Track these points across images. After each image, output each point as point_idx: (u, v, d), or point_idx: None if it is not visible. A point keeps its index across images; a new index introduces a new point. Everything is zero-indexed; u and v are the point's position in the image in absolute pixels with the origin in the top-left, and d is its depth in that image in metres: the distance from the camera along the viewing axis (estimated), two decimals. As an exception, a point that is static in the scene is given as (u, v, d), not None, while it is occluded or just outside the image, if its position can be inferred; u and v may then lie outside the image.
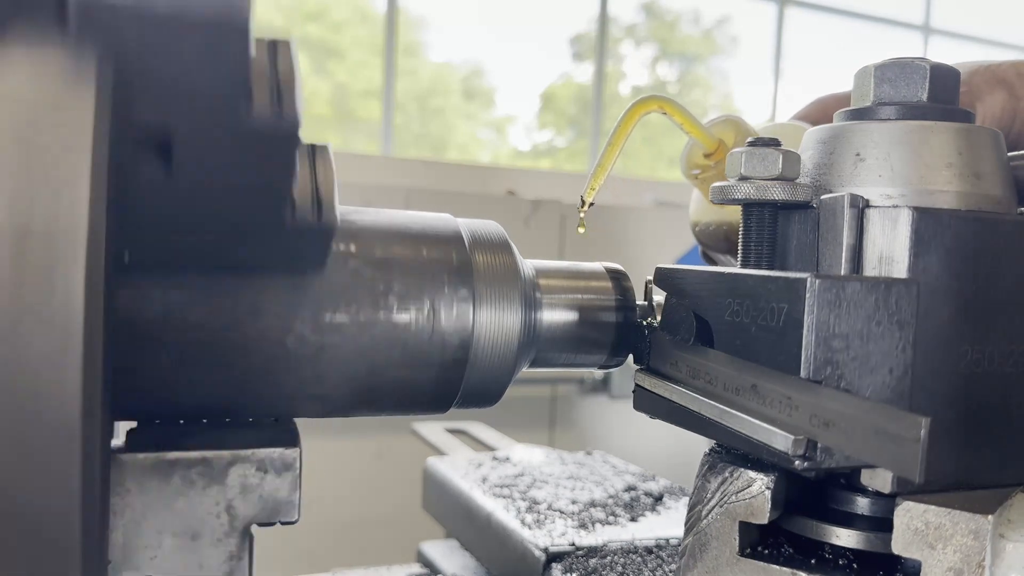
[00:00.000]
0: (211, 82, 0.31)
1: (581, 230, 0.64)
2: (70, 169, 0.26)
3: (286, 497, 0.45)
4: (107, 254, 0.32)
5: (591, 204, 0.60)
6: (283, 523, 0.45)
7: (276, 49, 0.35)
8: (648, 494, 0.88)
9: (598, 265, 0.60)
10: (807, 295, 0.43)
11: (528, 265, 0.56)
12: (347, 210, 0.50)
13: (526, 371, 0.58)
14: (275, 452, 0.45)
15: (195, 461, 0.44)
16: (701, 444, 0.54)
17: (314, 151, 0.42)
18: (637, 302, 0.60)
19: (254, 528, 0.45)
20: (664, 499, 0.87)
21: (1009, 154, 0.52)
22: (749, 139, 0.51)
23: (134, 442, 0.44)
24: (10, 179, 0.26)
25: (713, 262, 0.72)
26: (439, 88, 6.60)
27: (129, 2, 0.27)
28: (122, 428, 0.47)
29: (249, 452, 0.45)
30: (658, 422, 0.55)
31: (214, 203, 0.38)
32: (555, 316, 0.56)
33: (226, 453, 0.44)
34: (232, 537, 0.44)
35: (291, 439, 0.47)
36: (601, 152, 0.61)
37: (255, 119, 0.33)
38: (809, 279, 0.43)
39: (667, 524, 0.79)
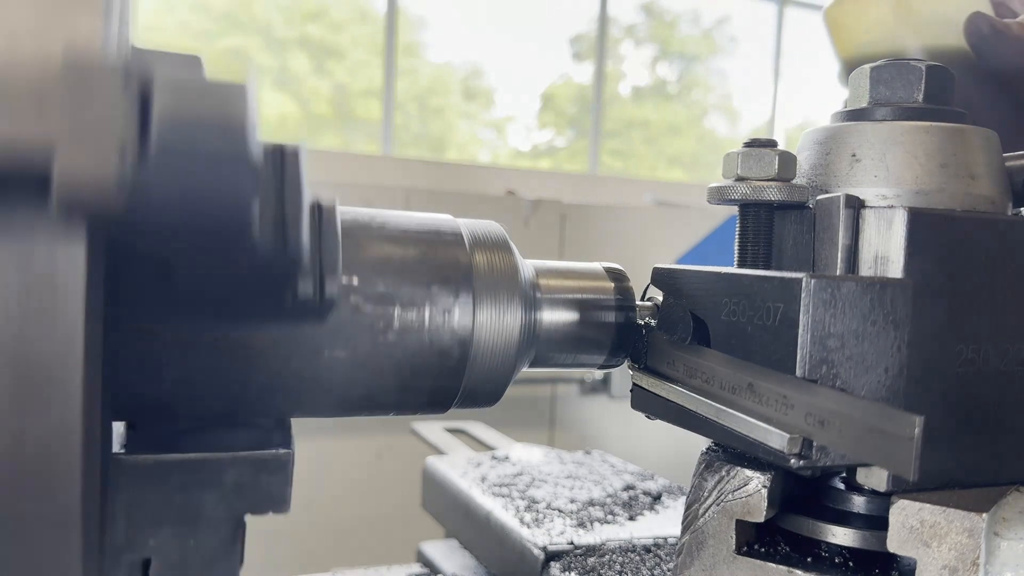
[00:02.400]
0: (212, 221, 0.29)
1: None
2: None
3: (279, 493, 0.46)
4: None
5: None
6: (275, 512, 0.47)
7: (284, 162, 0.34)
8: (647, 493, 0.88)
9: (598, 265, 0.60)
10: (803, 295, 0.44)
11: (528, 265, 0.56)
12: (347, 210, 0.50)
13: (526, 371, 0.58)
14: (270, 454, 0.46)
15: (193, 463, 0.44)
16: (700, 444, 0.54)
17: (320, 216, 0.39)
18: (637, 302, 0.60)
19: (247, 517, 0.46)
20: (662, 498, 0.87)
21: (1004, 155, 0.53)
22: (746, 141, 0.51)
23: (133, 444, 0.45)
24: None
25: None
26: (439, 88, 6.61)
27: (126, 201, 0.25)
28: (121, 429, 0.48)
29: (246, 454, 0.46)
30: (658, 422, 0.55)
31: (213, 304, 0.37)
32: (555, 316, 0.56)
33: (224, 455, 0.45)
34: (227, 525, 0.45)
35: (285, 440, 0.48)
36: None
37: (257, 252, 0.32)
38: (804, 279, 0.44)
39: (665, 523, 0.79)
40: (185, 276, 0.32)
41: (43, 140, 0.25)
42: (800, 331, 0.44)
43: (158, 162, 0.26)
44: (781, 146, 0.52)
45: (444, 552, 0.90)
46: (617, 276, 0.59)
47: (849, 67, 0.69)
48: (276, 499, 0.46)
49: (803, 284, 0.44)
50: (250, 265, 0.32)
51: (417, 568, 0.89)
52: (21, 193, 0.26)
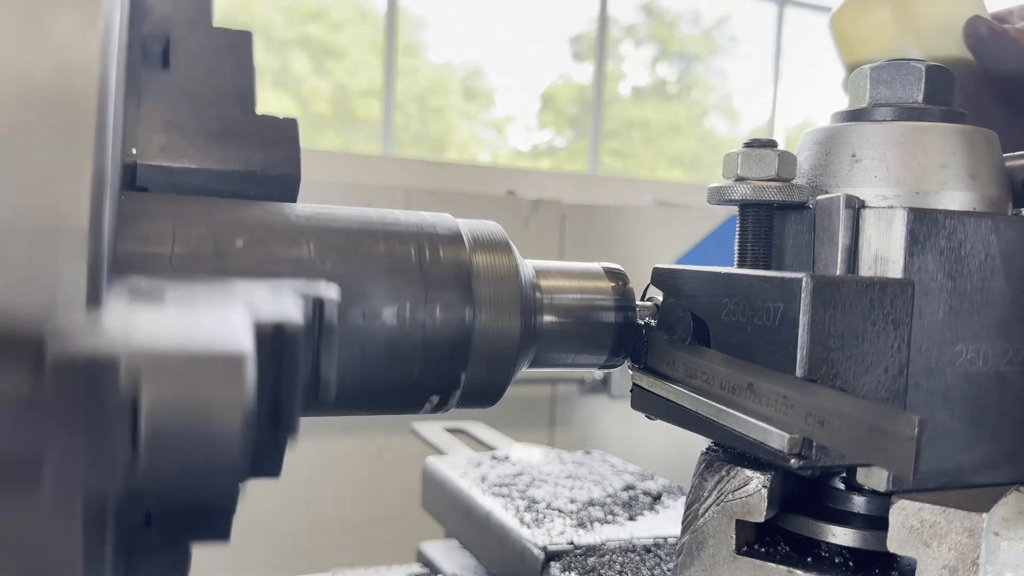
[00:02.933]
0: (202, 492, 0.29)
1: None
2: None
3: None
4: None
5: None
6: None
7: (282, 351, 0.33)
8: (647, 493, 0.88)
9: (598, 265, 0.60)
10: (802, 295, 0.44)
11: (528, 265, 0.56)
12: (347, 210, 0.51)
13: (526, 371, 0.58)
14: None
15: None
16: (700, 444, 0.54)
17: (280, 363, 0.34)
18: (637, 302, 0.60)
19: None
20: (662, 498, 0.87)
21: (1004, 155, 0.53)
22: (746, 141, 0.51)
23: None
24: None
25: None
26: (439, 88, 6.61)
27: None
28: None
29: None
30: (658, 422, 0.55)
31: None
32: (555, 316, 0.56)
33: None
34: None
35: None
36: None
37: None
38: (804, 279, 0.44)
39: (665, 523, 0.79)
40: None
41: (34, 449, 0.25)
42: (800, 331, 0.44)
43: (149, 451, 0.26)
44: (781, 146, 0.52)
45: (444, 552, 0.90)
46: (617, 276, 0.59)
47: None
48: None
49: (803, 284, 0.44)
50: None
51: (417, 568, 0.89)
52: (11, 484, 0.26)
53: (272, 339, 0.32)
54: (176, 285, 0.34)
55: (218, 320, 0.29)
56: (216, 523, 0.37)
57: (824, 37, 0.73)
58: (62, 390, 0.25)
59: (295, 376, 0.33)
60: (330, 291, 0.39)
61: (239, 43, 0.51)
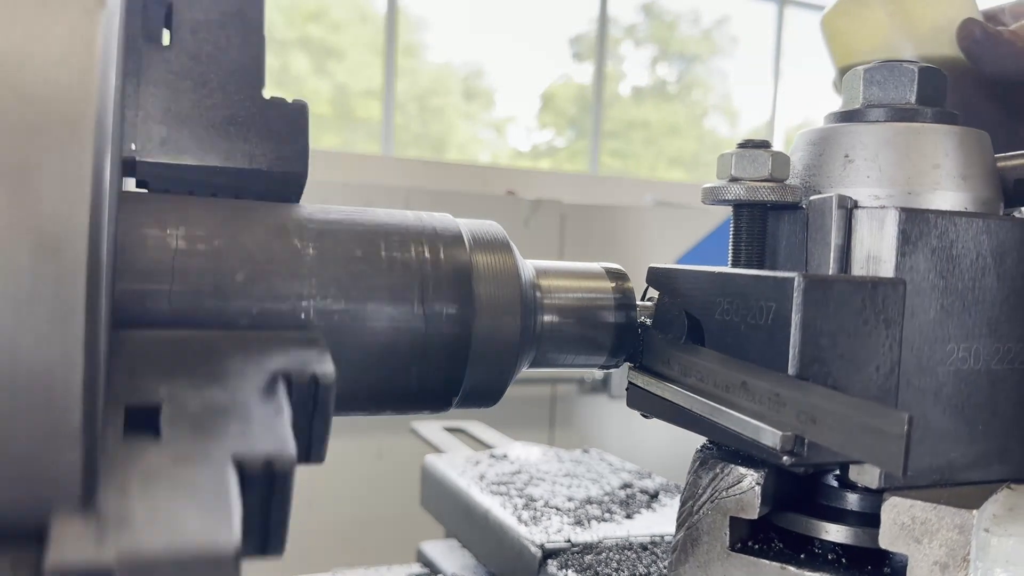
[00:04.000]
0: None
1: None
2: None
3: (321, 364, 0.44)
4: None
5: None
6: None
7: (273, 485, 0.33)
8: (644, 491, 0.88)
9: (598, 265, 0.60)
10: (795, 294, 0.44)
11: (528, 265, 0.56)
12: (348, 210, 0.51)
13: (526, 371, 0.58)
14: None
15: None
16: (699, 443, 0.54)
17: (271, 494, 0.35)
18: (638, 302, 0.60)
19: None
20: (660, 496, 0.87)
21: (996, 156, 0.53)
22: (739, 142, 0.52)
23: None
24: None
25: None
26: (439, 88, 6.61)
27: None
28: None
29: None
30: (657, 421, 0.56)
31: None
32: (555, 317, 0.55)
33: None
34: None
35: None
36: None
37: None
38: (796, 278, 0.44)
39: (662, 521, 0.80)
40: None
41: None
42: (792, 330, 0.44)
43: None
44: (781, 147, 0.52)
45: (444, 552, 0.90)
46: (617, 276, 0.59)
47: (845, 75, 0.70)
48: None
49: (795, 283, 0.44)
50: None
51: (417, 568, 0.89)
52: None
53: (263, 472, 0.33)
54: (167, 443, 0.33)
55: (209, 504, 0.29)
56: None
57: (822, 44, 0.73)
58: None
59: (285, 505, 0.34)
60: (324, 366, 0.40)
61: (247, 8, 0.48)
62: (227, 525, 0.28)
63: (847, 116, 0.53)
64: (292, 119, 0.50)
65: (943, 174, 0.50)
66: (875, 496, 0.49)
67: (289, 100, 0.50)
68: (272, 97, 0.49)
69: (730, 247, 0.54)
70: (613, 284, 0.58)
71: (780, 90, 7.44)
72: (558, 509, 0.82)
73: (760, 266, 0.53)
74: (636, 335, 0.57)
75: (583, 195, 4.90)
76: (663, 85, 7.56)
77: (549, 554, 0.72)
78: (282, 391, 0.38)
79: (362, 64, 6.11)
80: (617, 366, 0.60)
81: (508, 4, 6.54)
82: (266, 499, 0.33)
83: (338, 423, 0.47)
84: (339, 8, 6.22)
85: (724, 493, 0.50)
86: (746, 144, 0.51)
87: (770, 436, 0.44)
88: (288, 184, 0.50)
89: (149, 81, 0.47)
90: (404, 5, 5.87)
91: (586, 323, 0.57)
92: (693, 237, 3.48)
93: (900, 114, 0.51)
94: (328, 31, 6.15)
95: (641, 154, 7.18)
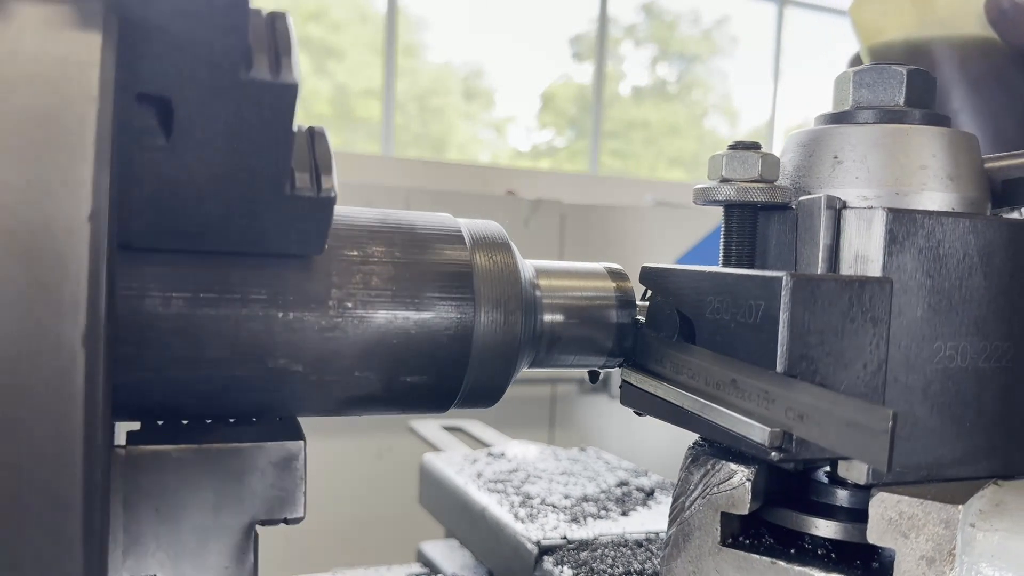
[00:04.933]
0: (211, 40, 0.32)
1: None
2: (75, 158, 0.28)
3: (291, 491, 0.45)
4: (110, 242, 0.33)
5: None
6: (288, 521, 0.45)
7: (274, 19, 0.36)
8: (640, 489, 0.89)
9: (598, 265, 0.60)
10: (783, 293, 0.45)
11: (528, 265, 0.56)
12: (347, 210, 0.51)
13: (526, 371, 0.57)
14: (278, 445, 0.45)
15: (194, 454, 0.45)
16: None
17: (312, 131, 0.42)
18: (638, 302, 0.60)
19: (258, 528, 0.46)
20: (655, 494, 0.88)
21: (984, 156, 0.54)
22: (730, 143, 0.53)
23: (135, 438, 0.45)
24: (18, 164, 0.27)
25: None
26: (439, 88, 6.62)
27: None
28: (122, 429, 0.48)
29: (250, 445, 0.45)
30: (657, 421, 0.56)
31: (214, 172, 0.38)
32: (555, 317, 0.56)
33: (227, 446, 0.45)
34: (235, 534, 0.45)
35: (294, 433, 0.47)
36: None
37: (254, 79, 0.34)
38: (784, 277, 0.45)
39: (657, 518, 0.81)
40: (185, 108, 0.34)
41: None
42: (780, 328, 0.45)
43: None
44: (782, 147, 0.53)
45: (444, 552, 0.91)
46: (618, 276, 0.59)
47: (874, 60, 0.70)
48: (288, 499, 0.45)
49: (783, 282, 0.45)
50: (248, 90, 0.34)
51: (417, 568, 0.90)
52: None
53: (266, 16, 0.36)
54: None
55: None
56: None
57: (824, 37, 0.74)
58: None
59: (288, 38, 0.36)
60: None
61: (279, 100, 0.36)
62: None
63: (837, 118, 0.54)
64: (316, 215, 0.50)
65: (930, 175, 0.51)
66: (864, 492, 0.49)
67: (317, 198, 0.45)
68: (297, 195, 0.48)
69: (721, 247, 0.54)
70: (614, 284, 0.58)
71: (780, 90, 7.44)
72: (554, 506, 0.82)
73: (750, 265, 0.54)
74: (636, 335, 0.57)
75: (583, 195, 4.91)
76: (663, 85, 7.57)
77: (545, 550, 0.73)
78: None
79: (362, 64, 6.12)
80: (617, 366, 0.60)
81: (508, 4, 6.55)
82: (270, 24, 0.35)
83: (338, 423, 0.48)
84: (339, 8, 6.22)
85: (715, 489, 0.51)
86: (736, 146, 0.52)
87: (759, 432, 0.44)
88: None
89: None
90: (404, 5, 5.88)
91: (586, 323, 0.57)
92: (693, 237, 3.49)
93: (889, 116, 0.52)
94: (328, 31, 6.16)
95: (641, 154, 7.19)
